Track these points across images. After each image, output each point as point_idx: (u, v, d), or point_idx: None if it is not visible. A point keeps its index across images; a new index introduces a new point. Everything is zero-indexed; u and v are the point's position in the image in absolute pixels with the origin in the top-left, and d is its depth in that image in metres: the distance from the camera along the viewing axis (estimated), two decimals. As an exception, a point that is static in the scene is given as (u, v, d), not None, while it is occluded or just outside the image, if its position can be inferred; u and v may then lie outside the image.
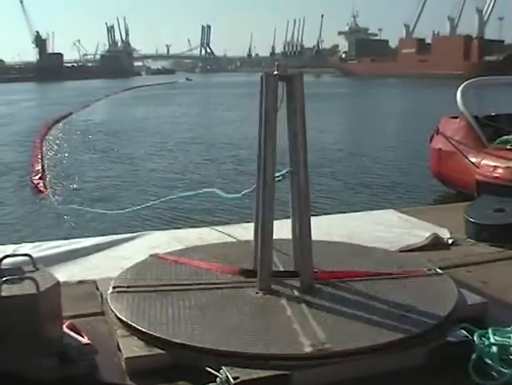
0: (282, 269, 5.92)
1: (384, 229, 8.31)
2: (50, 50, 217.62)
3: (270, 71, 5.53)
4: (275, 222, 5.59)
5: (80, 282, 6.23)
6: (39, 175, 24.01)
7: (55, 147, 34.66)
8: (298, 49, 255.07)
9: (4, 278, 4.16)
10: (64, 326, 4.61)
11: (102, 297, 5.56)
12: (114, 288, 5.56)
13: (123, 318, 4.94)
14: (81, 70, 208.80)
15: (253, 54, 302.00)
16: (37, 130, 40.05)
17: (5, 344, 4.18)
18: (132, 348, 4.58)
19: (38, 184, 22.60)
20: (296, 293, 5.46)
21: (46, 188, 21.77)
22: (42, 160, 28.11)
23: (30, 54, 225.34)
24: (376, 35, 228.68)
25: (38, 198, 20.66)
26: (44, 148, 32.76)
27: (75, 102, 66.90)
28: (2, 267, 4.57)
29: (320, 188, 19.12)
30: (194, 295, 5.43)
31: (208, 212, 17.21)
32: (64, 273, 6.18)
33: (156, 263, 6.26)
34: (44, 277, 4.37)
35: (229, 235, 7.81)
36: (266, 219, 5.53)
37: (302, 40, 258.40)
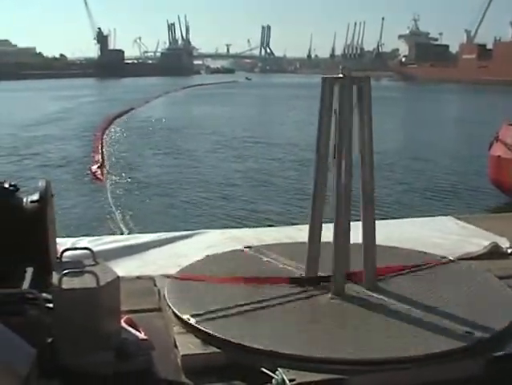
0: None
1: (442, 236, 8.18)
2: (111, 47, 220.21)
3: (333, 74, 5.49)
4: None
5: (138, 278, 6.25)
6: (98, 164, 24.61)
7: (116, 140, 35.20)
8: (358, 51, 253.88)
9: (65, 271, 4.20)
10: (122, 321, 4.64)
11: (159, 293, 5.58)
12: (173, 281, 5.61)
13: (181, 315, 4.94)
14: (141, 67, 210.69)
15: (312, 56, 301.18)
16: (97, 124, 40.49)
17: (63, 336, 4.21)
18: (189, 345, 4.58)
19: (96, 172, 23.28)
20: (363, 294, 5.44)
21: (103, 177, 22.19)
22: (101, 152, 28.66)
23: (92, 51, 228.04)
24: (437, 39, 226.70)
25: (95, 186, 20.97)
26: (104, 141, 33.30)
27: (135, 98, 67.47)
28: (63, 260, 4.62)
29: (379, 192, 18.94)
30: (255, 294, 5.42)
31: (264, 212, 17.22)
32: (122, 268, 6.18)
33: (211, 263, 6.27)
34: (104, 272, 4.39)
35: (287, 236, 7.78)
36: (339, 222, 5.52)
37: (362, 43, 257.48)
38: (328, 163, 5.56)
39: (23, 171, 25.21)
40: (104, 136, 35.26)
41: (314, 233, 5.68)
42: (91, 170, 24.06)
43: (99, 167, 24.31)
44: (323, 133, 5.50)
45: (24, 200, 4.69)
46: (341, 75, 5.42)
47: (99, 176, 22.73)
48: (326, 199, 5.65)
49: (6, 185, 4.72)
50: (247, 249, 6.72)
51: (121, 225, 15.03)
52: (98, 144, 31.18)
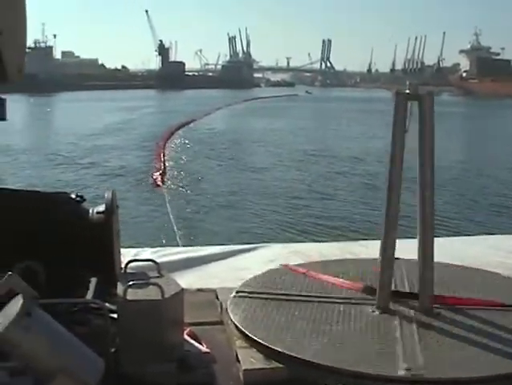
0: (405, 289, 5.81)
1: (505, 255, 8.04)
2: (172, 59, 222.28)
3: (401, 90, 5.47)
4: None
5: (199, 290, 6.27)
6: (159, 172, 25.15)
7: (178, 150, 35.56)
8: (419, 66, 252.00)
9: (130, 283, 4.23)
10: (185, 333, 4.65)
11: (221, 306, 5.59)
12: (236, 294, 5.61)
13: (243, 329, 4.94)
14: (201, 80, 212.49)
15: (372, 70, 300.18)
16: (158, 135, 40.90)
17: (126, 347, 4.24)
18: (251, 360, 4.57)
19: (157, 178, 23.98)
20: (412, 314, 5.35)
21: (163, 183, 22.65)
22: (163, 160, 29.21)
23: (153, 63, 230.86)
24: (499, 54, 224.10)
25: (156, 196, 21.26)
26: (166, 150, 33.76)
27: (196, 110, 67.93)
28: (127, 271, 4.66)
29: (441, 209, 18.73)
30: (316, 309, 5.40)
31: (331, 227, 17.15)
32: (183, 280, 6.19)
33: (279, 274, 6.26)
34: (168, 284, 4.41)
35: (350, 252, 7.73)
36: (389, 237, 5.47)
37: (422, 57, 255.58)
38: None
39: (85, 180, 25.56)
40: (166, 146, 35.78)
41: (387, 250, 5.60)
42: (152, 177, 24.56)
43: (160, 174, 25.01)
44: (397, 150, 5.46)
45: (90, 210, 4.74)
46: (407, 91, 5.41)
47: (159, 183, 23.33)
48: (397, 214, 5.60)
49: (73, 196, 4.78)
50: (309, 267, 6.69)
51: (180, 236, 15.11)
52: (160, 153, 31.87)
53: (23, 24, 4.76)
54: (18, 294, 3.09)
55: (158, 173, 25.83)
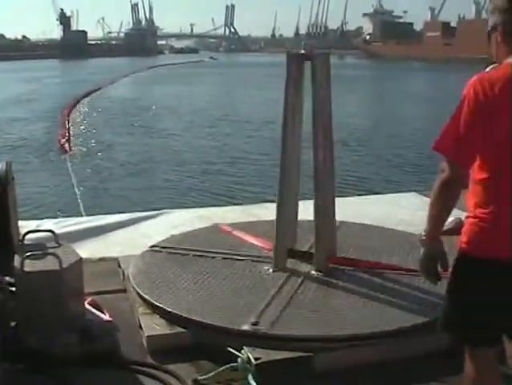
0: (304, 249, 5.84)
1: (408, 212, 8.20)
2: (74, 28, 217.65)
3: (295, 51, 5.48)
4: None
5: (102, 259, 6.22)
6: (65, 138, 26.46)
7: (83, 118, 35.26)
8: (323, 30, 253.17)
9: (27, 254, 4.16)
10: (86, 303, 4.61)
11: (124, 274, 5.56)
12: (136, 263, 5.60)
13: (144, 295, 4.92)
14: (105, 48, 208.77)
15: (277, 35, 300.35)
16: (62, 106, 40.25)
17: (27, 320, 4.18)
18: (154, 326, 4.57)
19: (64, 144, 25.11)
20: (303, 273, 5.41)
21: (70, 149, 23.93)
22: (68, 127, 29.55)
23: (55, 32, 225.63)
24: (401, 18, 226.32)
25: (62, 158, 21.39)
26: (71, 118, 33.70)
27: (101, 78, 66.92)
28: (25, 242, 4.58)
29: (343, 168, 18.90)
30: (218, 267, 5.45)
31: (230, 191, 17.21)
32: (86, 250, 6.12)
33: (176, 243, 6.23)
34: (67, 254, 4.36)
35: (252, 214, 7.77)
36: (285, 198, 5.53)
37: (326, 21, 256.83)
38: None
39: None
40: (71, 114, 35.64)
41: (284, 210, 5.64)
42: (59, 142, 25.23)
43: (66, 140, 25.80)
44: (290, 109, 5.47)
45: (-17, 182, 4.63)
46: (302, 52, 5.42)
47: (66, 149, 24.27)
48: (295, 175, 5.62)
49: (-34, 168, 4.66)
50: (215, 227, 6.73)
51: (81, 206, 14.92)
52: (64, 121, 31.87)
53: None
54: None
55: (64, 139, 25.97)
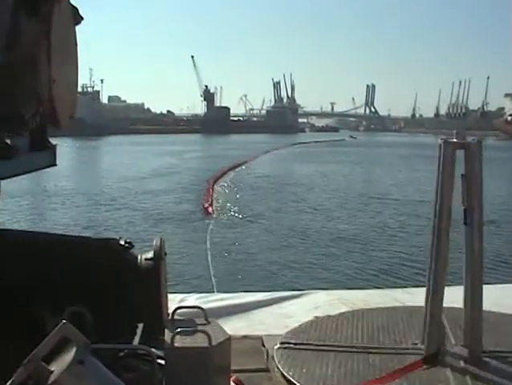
0: (452, 339, 5.73)
1: None
2: (217, 104, 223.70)
3: (448, 138, 5.47)
4: (449, 289, 5.49)
5: (245, 337, 6.26)
6: (209, 203, 29.26)
7: (227, 188, 36.38)
8: (463, 110, 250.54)
9: (178, 329, 4.24)
10: (231, 380, 4.63)
11: (267, 353, 5.58)
12: (281, 344, 5.59)
13: (289, 377, 4.92)
14: (246, 125, 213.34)
15: (417, 115, 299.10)
16: (205, 180, 41.42)
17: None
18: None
19: (207, 208, 27.76)
20: (462, 364, 5.27)
21: (213, 213, 26.50)
22: (212, 195, 32.91)
23: (198, 107, 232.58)
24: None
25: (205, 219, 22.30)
26: (216, 188, 35.13)
27: (242, 154, 68.36)
28: (175, 318, 4.67)
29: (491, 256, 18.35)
30: (362, 359, 5.37)
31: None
32: (229, 327, 6.18)
33: (320, 326, 6.22)
34: (216, 331, 4.41)
35: (395, 299, 7.67)
36: (438, 287, 5.44)
37: (467, 101, 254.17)
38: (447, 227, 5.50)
39: (133, 224, 25.79)
40: (216, 185, 37.24)
41: (436, 297, 5.55)
42: (202, 206, 28.37)
43: (209, 204, 28.47)
44: (444, 197, 5.44)
45: (139, 257, 4.78)
46: (455, 140, 5.41)
47: (209, 211, 26.93)
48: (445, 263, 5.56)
49: (122, 242, 4.82)
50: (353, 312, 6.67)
51: (221, 281, 15.10)
52: (209, 189, 35.02)
53: (75, 73, 4.86)
54: (70, 342, 3.12)
55: (208, 204, 28.91)
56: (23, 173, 4.53)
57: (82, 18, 4.81)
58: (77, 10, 4.73)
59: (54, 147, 4.85)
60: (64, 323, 3.16)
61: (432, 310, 5.50)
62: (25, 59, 4.03)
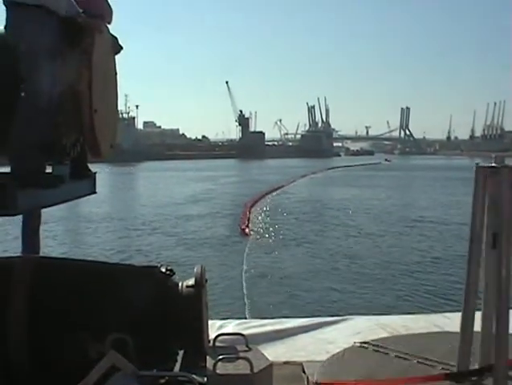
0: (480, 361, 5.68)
1: None
2: (252, 129, 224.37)
3: (484, 164, 5.47)
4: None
5: (286, 363, 6.24)
6: (246, 224, 31.01)
7: (264, 211, 36.65)
8: (499, 132, 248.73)
9: (220, 356, 4.25)
10: (272, 408, 4.62)
11: (308, 380, 5.55)
12: (322, 369, 5.57)
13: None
14: (281, 149, 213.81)
15: (452, 137, 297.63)
16: (242, 205, 41.63)
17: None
18: None
19: (244, 229, 29.57)
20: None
21: (249, 233, 27.77)
22: (249, 217, 34.20)
23: (233, 132, 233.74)
24: None
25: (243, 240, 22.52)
26: (253, 209, 35.67)
27: (278, 179, 68.59)
28: (216, 345, 4.68)
29: None
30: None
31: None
32: (269, 353, 6.17)
33: (361, 352, 6.19)
34: (257, 358, 4.40)
35: (435, 324, 7.61)
36: (468, 313, 5.43)
37: (502, 122, 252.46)
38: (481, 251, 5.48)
39: (171, 249, 25.90)
40: (253, 208, 37.90)
41: (468, 323, 5.54)
42: (240, 227, 29.94)
43: (246, 226, 30.10)
44: (478, 222, 5.43)
45: (180, 284, 4.80)
46: (494, 164, 5.39)
47: (246, 232, 28.40)
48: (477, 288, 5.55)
49: (163, 269, 4.85)
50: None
51: (246, 307, 15.11)
52: (247, 211, 36.27)
53: (115, 102, 4.92)
54: (118, 370, 3.14)
55: (245, 225, 30.74)
56: (64, 202, 4.58)
57: (121, 48, 4.87)
58: (117, 39, 4.79)
59: (93, 175, 4.90)
60: (112, 351, 3.19)
61: (463, 332, 5.49)
62: (67, 90, 4.09)
